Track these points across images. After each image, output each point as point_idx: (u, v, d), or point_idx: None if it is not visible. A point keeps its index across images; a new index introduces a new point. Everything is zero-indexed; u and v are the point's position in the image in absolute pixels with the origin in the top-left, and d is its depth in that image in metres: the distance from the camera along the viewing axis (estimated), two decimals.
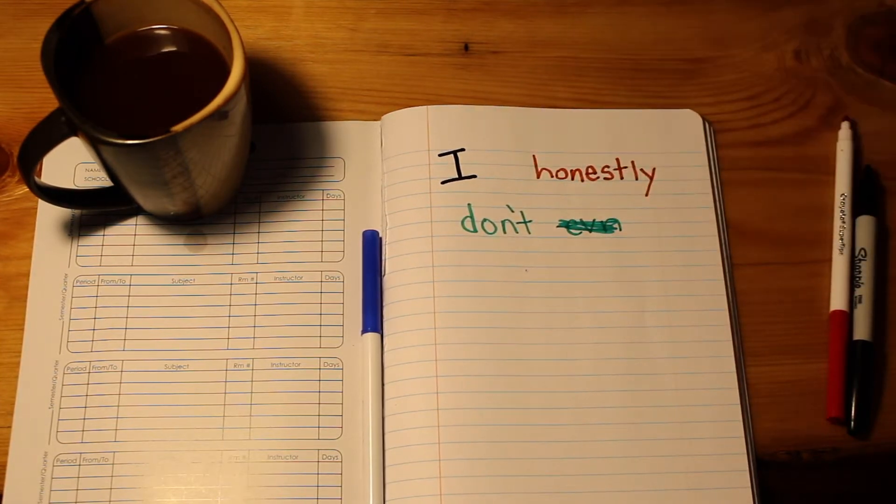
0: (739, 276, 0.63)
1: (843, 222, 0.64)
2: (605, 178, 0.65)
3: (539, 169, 0.64)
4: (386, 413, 0.59)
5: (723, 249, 0.63)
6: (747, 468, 0.58)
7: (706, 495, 0.57)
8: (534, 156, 0.65)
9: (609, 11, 0.71)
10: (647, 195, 0.64)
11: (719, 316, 0.61)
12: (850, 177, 0.65)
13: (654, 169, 0.65)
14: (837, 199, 0.65)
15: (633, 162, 0.65)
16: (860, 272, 0.63)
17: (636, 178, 0.65)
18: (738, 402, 0.60)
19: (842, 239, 0.63)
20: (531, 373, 0.59)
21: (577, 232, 0.63)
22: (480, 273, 0.61)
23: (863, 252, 0.63)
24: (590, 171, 0.65)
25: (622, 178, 0.65)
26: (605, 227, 0.63)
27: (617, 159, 0.65)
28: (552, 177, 0.64)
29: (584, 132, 0.66)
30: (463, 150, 0.64)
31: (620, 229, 0.63)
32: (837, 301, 0.62)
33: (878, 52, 0.70)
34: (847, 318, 0.62)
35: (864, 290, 0.62)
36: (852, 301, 0.62)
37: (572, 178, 0.64)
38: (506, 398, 0.59)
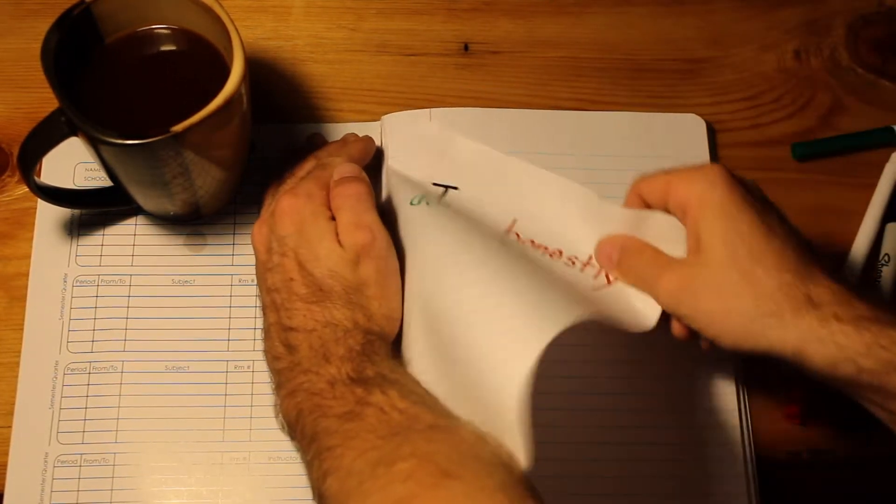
0: None
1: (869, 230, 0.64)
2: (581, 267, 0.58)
3: (514, 232, 0.60)
4: None
5: None
6: (745, 472, 0.58)
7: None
8: (514, 219, 0.60)
9: (609, 11, 0.71)
10: None
11: None
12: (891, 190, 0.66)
13: None
14: (872, 209, 0.65)
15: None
16: (880, 275, 0.63)
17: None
18: (735, 393, 0.59)
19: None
20: None
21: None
22: (460, 242, 0.57)
23: (886, 257, 0.63)
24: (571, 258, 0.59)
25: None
26: None
27: (590, 256, 0.58)
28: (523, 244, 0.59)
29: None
30: (457, 188, 0.62)
31: None
32: None
33: (878, 52, 0.70)
34: None
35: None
36: None
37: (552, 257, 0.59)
38: None
